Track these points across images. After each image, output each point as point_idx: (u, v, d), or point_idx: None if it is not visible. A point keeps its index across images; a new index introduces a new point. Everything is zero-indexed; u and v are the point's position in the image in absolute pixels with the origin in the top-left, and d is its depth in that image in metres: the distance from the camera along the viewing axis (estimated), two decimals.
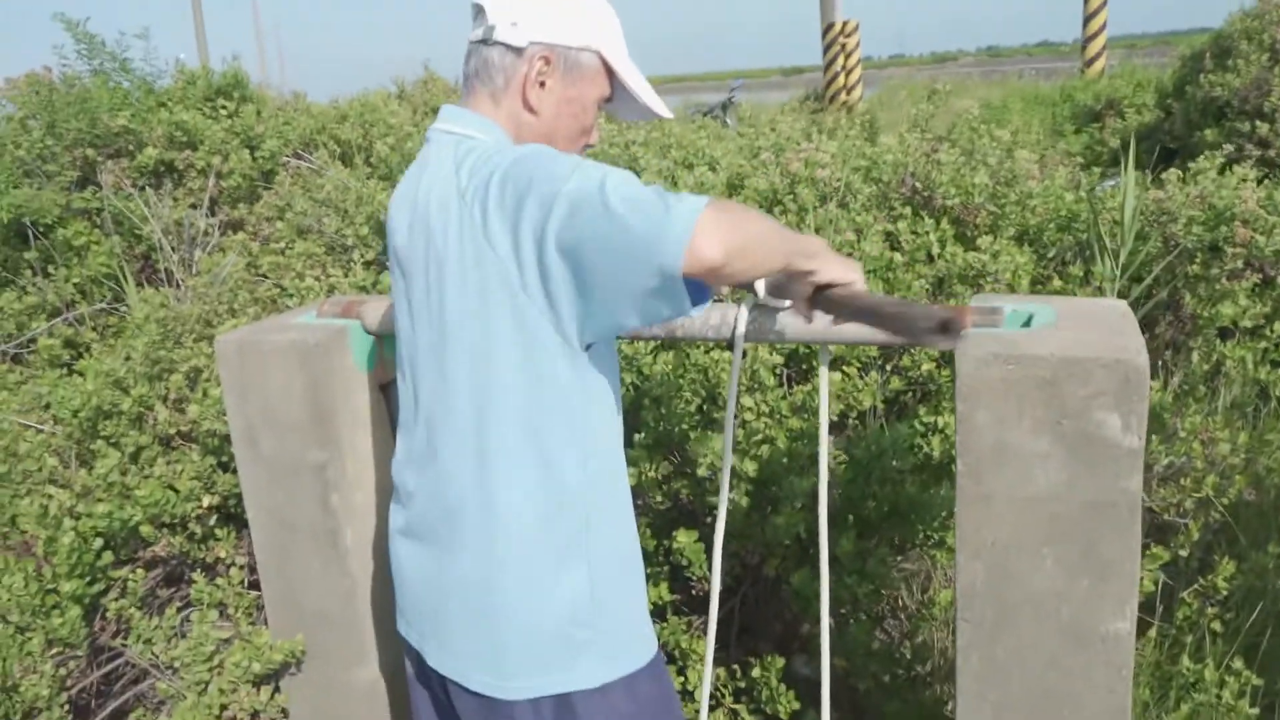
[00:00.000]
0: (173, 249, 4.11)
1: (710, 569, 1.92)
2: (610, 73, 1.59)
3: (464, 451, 1.49)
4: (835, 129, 5.45)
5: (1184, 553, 2.41)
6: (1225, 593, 2.40)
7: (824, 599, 1.83)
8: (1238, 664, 2.29)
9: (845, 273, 1.45)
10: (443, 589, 1.56)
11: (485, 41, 1.53)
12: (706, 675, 1.87)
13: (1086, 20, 14.54)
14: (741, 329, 1.72)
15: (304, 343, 2.06)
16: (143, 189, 4.58)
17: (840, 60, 15.80)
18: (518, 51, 1.52)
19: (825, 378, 1.76)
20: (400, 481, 1.65)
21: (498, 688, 1.49)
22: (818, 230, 2.85)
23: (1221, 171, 3.56)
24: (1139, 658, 2.45)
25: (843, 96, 15.42)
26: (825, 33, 16.01)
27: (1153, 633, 2.46)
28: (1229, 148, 6.31)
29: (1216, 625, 2.40)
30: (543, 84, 1.53)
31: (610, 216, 1.26)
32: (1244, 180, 3.32)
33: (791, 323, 1.76)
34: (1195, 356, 3.00)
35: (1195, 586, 2.41)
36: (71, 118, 4.69)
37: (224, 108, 5.17)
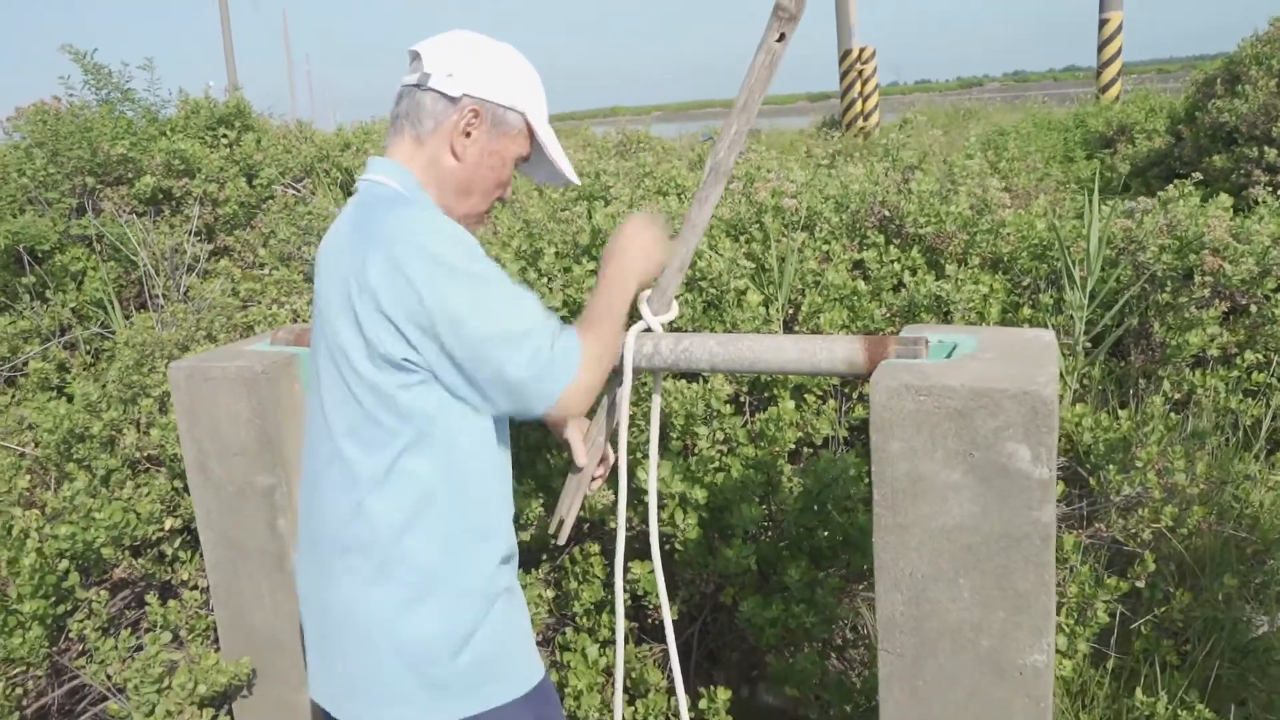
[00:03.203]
0: (165, 275, 4.18)
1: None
2: (531, 135, 1.69)
3: (332, 478, 1.58)
4: (839, 156, 5.47)
5: (1140, 584, 2.39)
6: (1181, 625, 2.37)
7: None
8: (1192, 697, 2.26)
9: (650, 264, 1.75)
10: (322, 618, 1.61)
11: (419, 86, 1.62)
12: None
13: (1101, 46, 14.52)
14: (629, 359, 1.76)
15: (251, 370, 2.10)
16: (140, 215, 4.67)
17: (857, 86, 15.87)
18: (451, 100, 1.61)
19: (657, 404, 1.89)
20: (301, 498, 1.71)
21: (367, 717, 1.56)
22: (782, 259, 2.87)
23: (1204, 200, 3.54)
24: (1096, 690, 2.43)
25: (860, 122, 15.46)
26: (842, 59, 16.08)
27: (1110, 664, 2.43)
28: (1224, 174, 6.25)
29: (1173, 658, 2.37)
30: (468, 134, 1.62)
31: (500, 371, 1.49)
32: (1223, 209, 3.30)
33: (680, 351, 1.82)
34: (1166, 385, 2.98)
35: (1150, 618, 2.38)
36: (74, 146, 4.80)
37: (224, 137, 5.27)
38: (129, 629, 2.52)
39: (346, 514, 1.55)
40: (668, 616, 1.91)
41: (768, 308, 2.80)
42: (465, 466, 1.55)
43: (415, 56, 1.65)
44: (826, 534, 2.44)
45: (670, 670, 2.58)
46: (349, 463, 1.55)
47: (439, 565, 1.53)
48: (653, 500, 1.86)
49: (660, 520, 2.44)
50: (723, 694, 2.26)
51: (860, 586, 2.79)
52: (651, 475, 1.84)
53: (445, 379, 1.50)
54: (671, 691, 2.47)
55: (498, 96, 1.63)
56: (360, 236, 1.51)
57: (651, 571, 2.49)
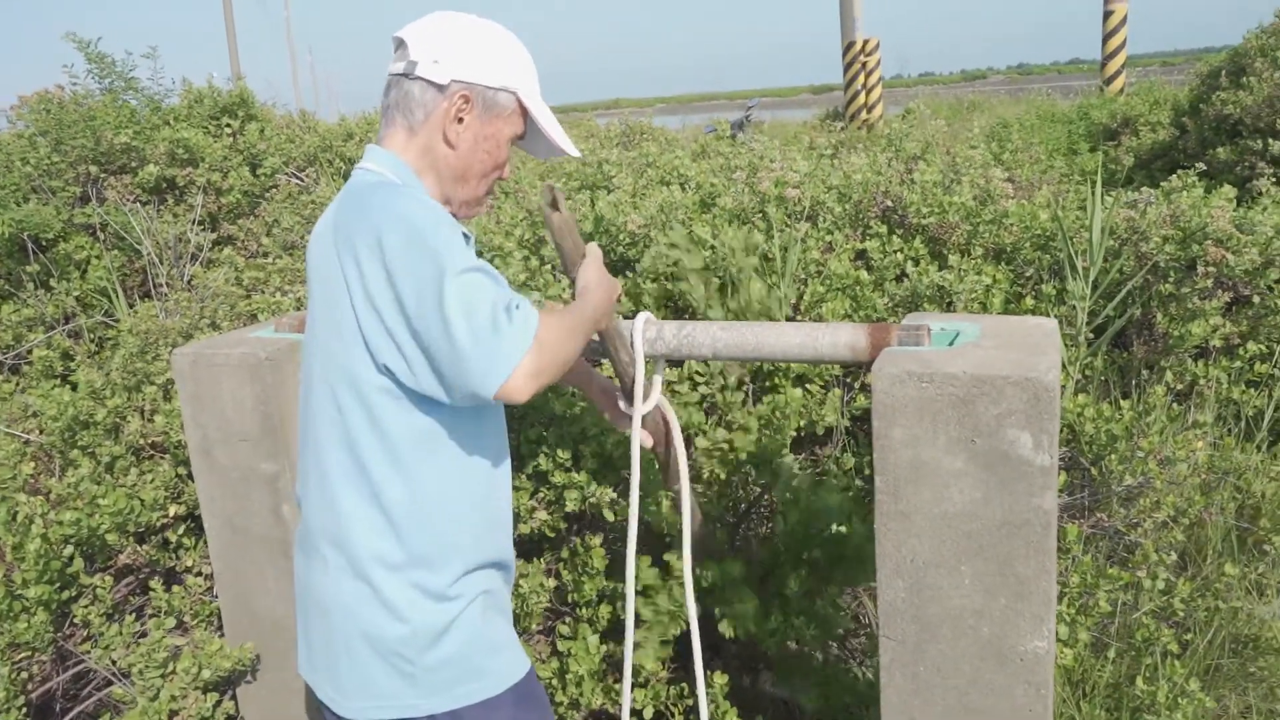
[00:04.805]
0: (169, 263, 4.19)
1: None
2: (524, 112, 1.66)
3: (318, 471, 1.56)
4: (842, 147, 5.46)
5: (1141, 574, 2.39)
6: (1182, 614, 2.37)
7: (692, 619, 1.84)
8: (1193, 686, 2.27)
9: (608, 300, 1.72)
10: (307, 601, 1.62)
11: (407, 75, 1.59)
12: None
13: (1106, 38, 14.47)
14: (640, 344, 1.77)
15: (254, 356, 2.11)
16: (144, 204, 4.67)
17: (861, 79, 15.81)
18: (439, 88, 1.59)
19: (658, 384, 1.91)
20: (298, 480, 1.70)
21: (339, 703, 1.56)
22: (784, 249, 2.86)
23: (1209, 190, 3.54)
24: (1096, 678, 2.43)
25: (863, 115, 15.42)
26: (845, 51, 16.04)
27: (1111, 653, 2.44)
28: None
29: (1174, 647, 2.38)
30: (460, 120, 1.60)
31: (449, 337, 1.37)
32: (1226, 199, 3.29)
33: (683, 336, 1.83)
34: (1169, 375, 2.98)
35: (1151, 607, 2.39)
36: (78, 135, 4.80)
37: (228, 126, 5.27)
38: (133, 615, 2.53)
39: (321, 505, 1.55)
40: (691, 606, 1.92)
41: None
42: (438, 478, 1.53)
43: (400, 44, 1.62)
44: (821, 553, 2.43)
45: (667, 662, 2.59)
46: (323, 455, 1.54)
47: (406, 567, 1.51)
48: (685, 490, 1.86)
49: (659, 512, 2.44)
50: (719, 679, 2.26)
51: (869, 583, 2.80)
52: (682, 465, 1.85)
53: (408, 355, 1.43)
54: (671, 682, 2.48)
55: (486, 79, 1.60)
56: (344, 221, 1.49)
57: (652, 566, 2.50)
